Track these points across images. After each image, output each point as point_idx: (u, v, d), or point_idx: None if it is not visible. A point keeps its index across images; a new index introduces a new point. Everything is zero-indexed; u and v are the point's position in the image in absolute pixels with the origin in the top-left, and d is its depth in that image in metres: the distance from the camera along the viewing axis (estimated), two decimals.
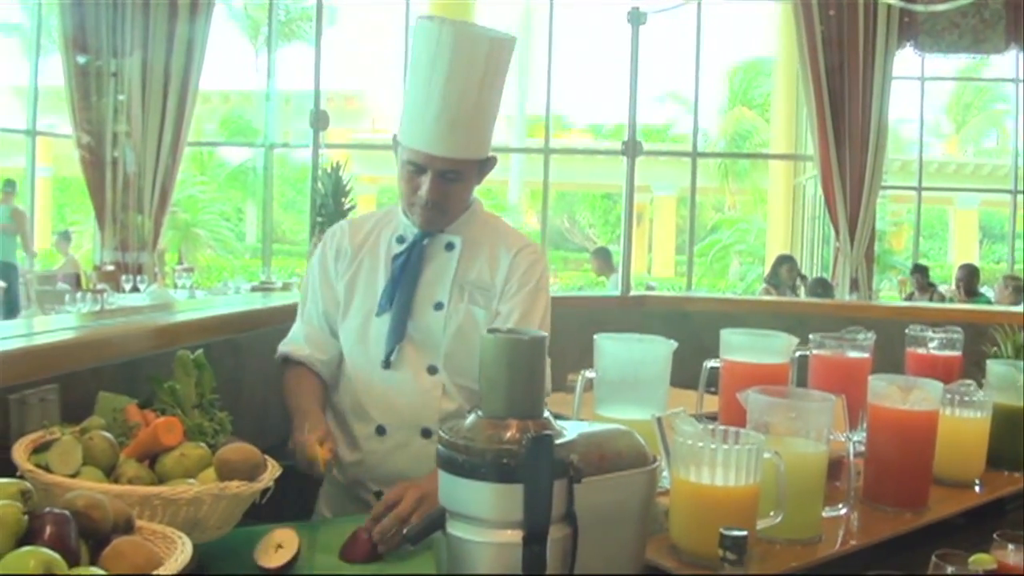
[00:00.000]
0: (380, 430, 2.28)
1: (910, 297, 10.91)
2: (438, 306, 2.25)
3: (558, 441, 1.37)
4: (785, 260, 10.94)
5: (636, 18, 3.95)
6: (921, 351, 2.71)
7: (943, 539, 1.75)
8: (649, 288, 10.82)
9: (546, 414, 1.44)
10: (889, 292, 15.15)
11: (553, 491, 1.34)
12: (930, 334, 2.70)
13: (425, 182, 2.18)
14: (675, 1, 5.02)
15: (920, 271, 11.23)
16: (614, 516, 1.49)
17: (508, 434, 1.37)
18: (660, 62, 14.05)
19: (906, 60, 10.76)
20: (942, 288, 11.62)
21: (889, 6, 9.28)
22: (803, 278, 10.83)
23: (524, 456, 1.33)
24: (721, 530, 1.34)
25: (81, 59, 10.50)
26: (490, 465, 1.35)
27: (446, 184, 2.19)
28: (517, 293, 2.27)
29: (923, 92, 12.79)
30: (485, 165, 2.27)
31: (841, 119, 10.27)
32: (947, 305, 7.80)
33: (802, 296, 9.95)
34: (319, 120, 3.49)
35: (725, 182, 24.22)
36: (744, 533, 1.33)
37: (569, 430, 1.44)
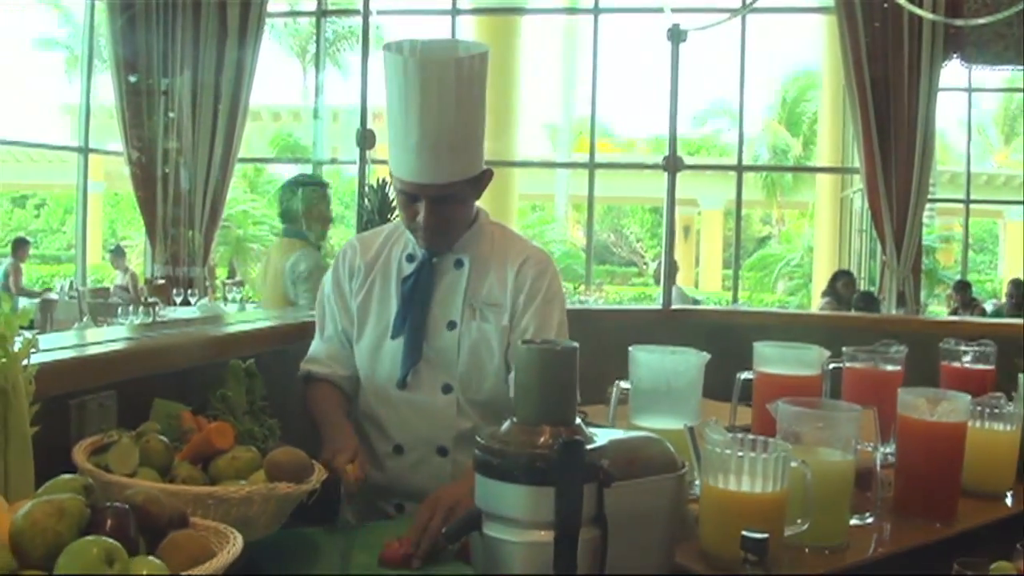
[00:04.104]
0: (398, 448, 2.31)
1: (954, 313, 10.79)
2: (451, 325, 2.26)
3: (589, 446, 1.42)
4: (843, 275, 10.94)
5: (676, 36, 3.98)
6: (955, 364, 2.72)
7: (970, 550, 1.78)
8: (694, 303, 10.81)
9: (578, 421, 1.50)
10: (937, 307, 15.00)
11: (584, 494, 1.40)
12: (963, 348, 2.72)
13: (421, 209, 2.18)
14: (715, 18, 5.06)
15: (962, 288, 11.11)
16: (643, 519, 1.55)
17: (541, 439, 1.42)
18: (706, 75, 14.05)
19: (954, 71, 10.61)
20: (987, 304, 11.48)
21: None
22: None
23: (556, 460, 1.38)
24: (743, 532, 1.37)
25: (132, 78, 10.71)
26: (524, 468, 1.40)
27: (442, 208, 2.19)
28: (528, 308, 2.27)
29: (970, 104, 12.70)
30: (479, 181, 2.24)
31: (887, 132, 10.12)
32: (983, 319, 7.75)
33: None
34: (366, 139, 3.56)
35: (772, 195, 24.10)
36: (765, 535, 1.36)
37: (600, 437, 1.50)
